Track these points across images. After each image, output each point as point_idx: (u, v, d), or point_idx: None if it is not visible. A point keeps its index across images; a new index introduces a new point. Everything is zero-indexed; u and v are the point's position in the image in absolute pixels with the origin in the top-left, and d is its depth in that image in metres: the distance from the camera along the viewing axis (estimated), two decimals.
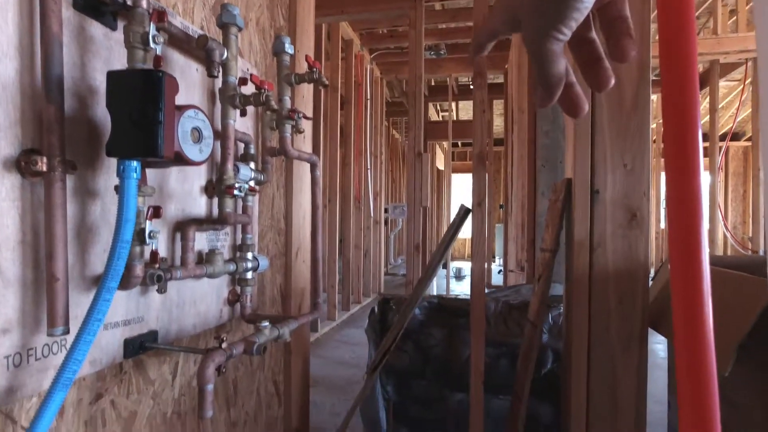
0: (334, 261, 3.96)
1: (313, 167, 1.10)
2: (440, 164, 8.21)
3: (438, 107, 7.61)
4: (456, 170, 9.41)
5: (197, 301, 0.92)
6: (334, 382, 2.66)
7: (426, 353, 1.62)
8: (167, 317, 0.83)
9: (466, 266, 8.52)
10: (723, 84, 5.43)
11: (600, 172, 1.17)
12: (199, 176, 0.90)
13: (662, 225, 7.06)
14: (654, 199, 6.88)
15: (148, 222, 0.64)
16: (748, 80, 4.60)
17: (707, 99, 5.09)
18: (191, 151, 0.61)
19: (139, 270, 0.66)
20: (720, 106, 5.12)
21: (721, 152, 4.99)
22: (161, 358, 0.84)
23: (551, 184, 2.03)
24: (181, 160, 0.60)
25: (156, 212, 0.65)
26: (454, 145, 9.62)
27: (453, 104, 6.23)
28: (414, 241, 2.79)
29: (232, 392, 1.09)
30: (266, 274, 1.22)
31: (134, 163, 0.57)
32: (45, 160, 0.55)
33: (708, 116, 4.84)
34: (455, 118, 7.44)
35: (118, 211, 0.58)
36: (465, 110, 7.91)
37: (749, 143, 8.05)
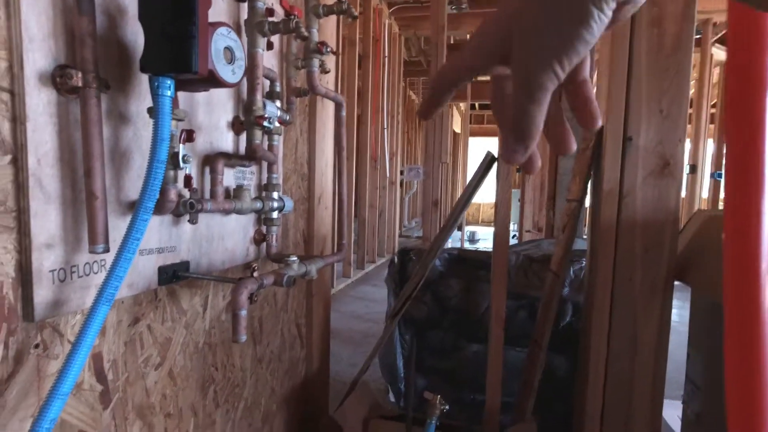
0: (351, 220, 3.98)
1: (339, 107, 1.08)
2: (456, 127, 8.06)
3: None
4: (473, 134, 9.24)
5: (225, 237, 0.93)
6: (351, 335, 2.73)
7: (444, 304, 1.64)
8: (197, 250, 0.84)
9: (479, 230, 8.51)
10: None
11: (634, 118, 1.13)
12: (225, 110, 0.89)
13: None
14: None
15: (181, 146, 0.64)
16: None
17: None
18: (224, 71, 0.60)
19: (173, 194, 0.66)
20: None
21: None
22: (192, 290, 0.86)
23: (581, 135, 1.98)
24: (214, 80, 0.59)
25: (189, 136, 0.64)
26: (472, 107, 9.40)
27: None
28: (432, 197, 2.78)
29: (258, 330, 1.12)
30: (289, 218, 1.23)
31: (168, 81, 0.56)
32: (80, 75, 0.54)
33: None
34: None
35: (153, 129, 0.57)
36: None
37: None
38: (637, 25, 1.11)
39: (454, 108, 7.45)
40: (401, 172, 5.79)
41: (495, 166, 1.27)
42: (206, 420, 0.93)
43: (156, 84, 0.55)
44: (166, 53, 0.55)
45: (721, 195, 5.32)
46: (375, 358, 1.48)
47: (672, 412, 1.76)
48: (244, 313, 0.70)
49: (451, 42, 6.09)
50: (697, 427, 1.29)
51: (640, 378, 1.16)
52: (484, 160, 1.21)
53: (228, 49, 0.61)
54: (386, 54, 4.61)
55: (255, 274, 0.72)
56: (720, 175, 5.22)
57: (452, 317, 1.63)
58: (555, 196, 2.47)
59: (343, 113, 1.08)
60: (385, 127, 4.65)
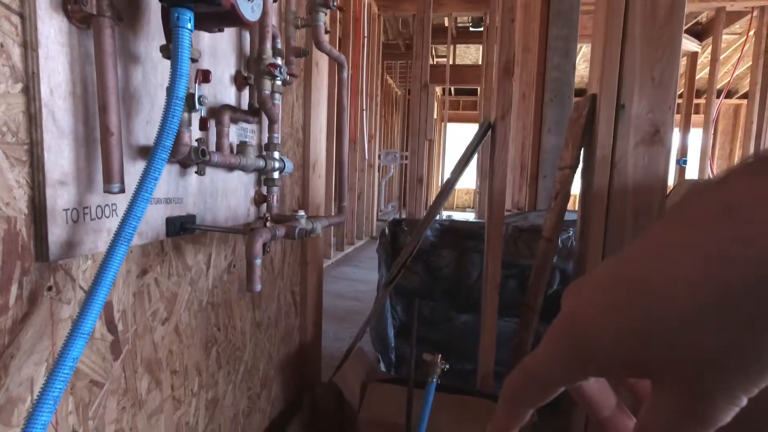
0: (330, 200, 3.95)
1: (341, 68, 1.06)
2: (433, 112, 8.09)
3: (434, 51, 7.38)
4: (450, 119, 9.28)
5: (228, 194, 0.91)
6: (335, 313, 2.73)
7: (435, 274, 1.66)
8: (203, 204, 0.82)
9: (455, 215, 8.61)
10: (723, 38, 5.36)
11: (627, 85, 1.15)
12: (228, 63, 0.87)
13: None
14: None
15: (197, 86, 0.62)
16: (752, 31, 4.54)
17: (708, 50, 5.03)
18: (245, 7, 0.58)
19: (187, 137, 0.64)
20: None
21: (717, 108, 5.00)
22: (197, 247, 0.84)
23: (574, 103, 2.02)
24: (234, 16, 0.57)
25: (205, 76, 0.62)
26: (447, 92, 9.43)
27: (451, 48, 6.05)
28: (417, 173, 2.78)
29: (257, 294, 1.10)
30: (286, 184, 1.21)
31: (188, 13, 0.54)
32: (94, 1, 0.51)
33: (708, 68, 4.81)
34: (452, 63, 7.24)
35: (172, 64, 0.55)
36: (461, 56, 7.71)
37: (742, 101, 8.09)
38: None
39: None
40: (379, 156, 5.77)
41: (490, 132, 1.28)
42: (209, 380, 0.92)
43: (176, 16, 0.53)
44: None
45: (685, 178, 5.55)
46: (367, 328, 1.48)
47: None
48: (258, 261, 0.69)
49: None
50: None
51: None
52: (481, 126, 1.22)
53: None
54: (366, 34, 4.56)
55: (268, 224, 0.71)
56: (685, 162, 5.44)
57: (443, 287, 1.65)
58: (538, 175, 2.52)
59: (345, 74, 1.06)
60: (365, 108, 4.62)
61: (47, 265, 0.54)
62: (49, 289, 0.54)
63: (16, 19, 0.48)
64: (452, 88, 9.27)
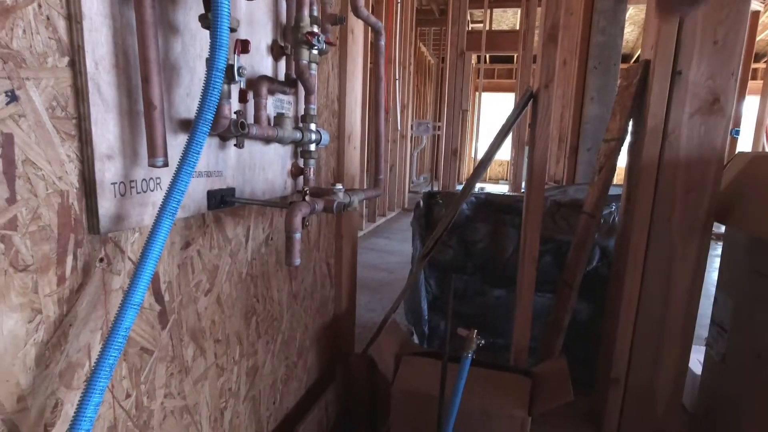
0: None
1: (378, 36, 1.02)
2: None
3: (469, 17, 7.09)
4: (484, 89, 8.99)
5: (266, 167, 0.91)
6: (367, 283, 2.76)
7: (469, 248, 1.64)
8: (241, 177, 0.83)
9: (488, 187, 8.47)
10: None
11: (686, 49, 1.07)
12: (265, 32, 0.85)
13: None
14: None
15: (236, 57, 0.61)
16: None
17: None
18: None
19: (227, 110, 0.63)
20: None
21: None
22: (236, 220, 0.85)
23: (623, 71, 1.92)
24: None
25: (244, 46, 0.61)
26: (481, 60, 9.12)
27: (488, 12, 5.79)
28: (452, 145, 2.73)
29: (294, 266, 1.12)
30: (321, 156, 1.21)
31: None
32: None
33: None
34: (488, 29, 6.95)
35: (211, 35, 0.54)
36: (498, 21, 7.38)
37: None
38: None
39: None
40: (411, 127, 5.69)
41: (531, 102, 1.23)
42: (249, 349, 0.94)
43: None
44: None
45: (737, 151, 5.24)
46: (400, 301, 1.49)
47: (692, 356, 1.79)
48: (298, 235, 0.69)
49: None
50: (722, 367, 1.32)
51: (672, 318, 1.17)
52: (523, 95, 1.17)
53: None
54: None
55: (307, 198, 0.71)
56: (737, 132, 5.11)
57: (477, 261, 1.64)
58: (578, 146, 2.42)
59: (382, 42, 1.03)
60: (397, 78, 4.52)
61: (98, 238, 0.55)
62: (101, 260, 0.56)
63: None
64: (487, 56, 8.94)
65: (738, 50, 1.04)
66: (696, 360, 1.57)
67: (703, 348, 1.45)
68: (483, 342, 1.07)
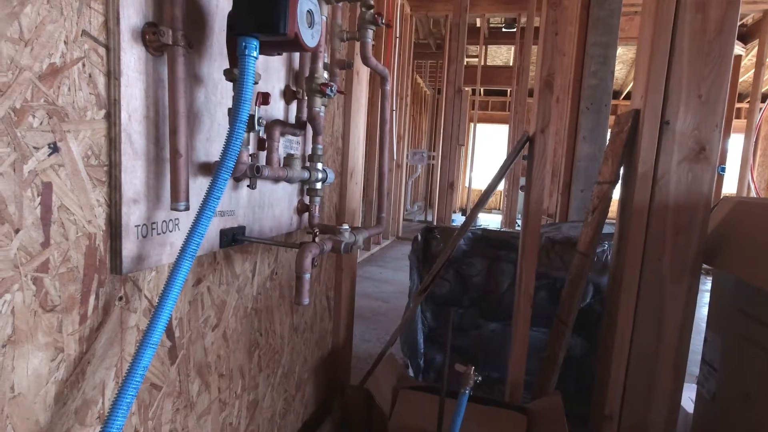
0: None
1: (384, 81, 1.08)
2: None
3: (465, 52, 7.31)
4: (479, 120, 9.19)
5: (274, 204, 0.94)
6: (361, 313, 2.76)
7: (466, 282, 1.66)
8: (251, 215, 0.86)
9: (481, 217, 8.54)
10: None
11: (673, 102, 1.14)
12: (279, 78, 0.90)
13: None
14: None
15: (256, 108, 0.65)
16: None
17: (753, 52, 4.84)
18: (306, 34, 0.61)
19: (245, 156, 0.67)
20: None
21: (761, 113, 4.80)
22: (244, 256, 0.88)
23: (615, 117, 2.00)
24: (296, 43, 0.60)
25: (265, 99, 0.65)
26: (476, 92, 9.35)
27: (483, 49, 5.99)
28: (448, 179, 2.79)
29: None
30: (325, 191, 1.24)
31: (255, 42, 0.57)
32: (170, 32, 0.55)
33: (752, 71, 4.62)
34: (483, 64, 7.17)
35: (237, 90, 0.58)
36: (492, 56, 7.62)
37: None
38: (681, 8, 1.11)
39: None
40: (406, 156, 5.78)
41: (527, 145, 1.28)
42: (251, 383, 0.95)
43: (243, 45, 0.56)
44: (258, 14, 0.55)
45: (724, 188, 5.36)
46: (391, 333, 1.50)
47: (684, 394, 1.81)
48: (308, 276, 0.71)
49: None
50: (713, 405, 1.34)
51: (664, 356, 1.20)
52: (520, 139, 1.22)
53: (309, 12, 0.61)
54: (398, 35, 4.56)
55: (317, 239, 0.74)
56: (723, 170, 5.25)
57: (473, 295, 1.66)
58: (571, 182, 2.48)
59: (388, 87, 1.08)
60: (394, 109, 4.63)
61: (119, 277, 0.58)
62: (120, 299, 0.58)
63: (102, 51, 0.52)
64: (482, 89, 9.18)
65: (721, 105, 1.11)
66: (688, 398, 1.59)
67: (695, 386, 1.47)
68: (480, 378, 1.08)
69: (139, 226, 0.58)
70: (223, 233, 0.77)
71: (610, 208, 1.33)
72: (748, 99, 4.72)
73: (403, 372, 1.34)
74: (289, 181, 0.90)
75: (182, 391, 0.73)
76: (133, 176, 0.56)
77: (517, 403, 1.31)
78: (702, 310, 2.27)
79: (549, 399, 1.18)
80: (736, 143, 5.31)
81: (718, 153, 1.14)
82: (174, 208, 0.59)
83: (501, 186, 8.25)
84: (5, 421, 0.46)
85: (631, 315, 1.21)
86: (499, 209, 10.52)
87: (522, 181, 5.18)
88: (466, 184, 8.71)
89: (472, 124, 7.19)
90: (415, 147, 7.47)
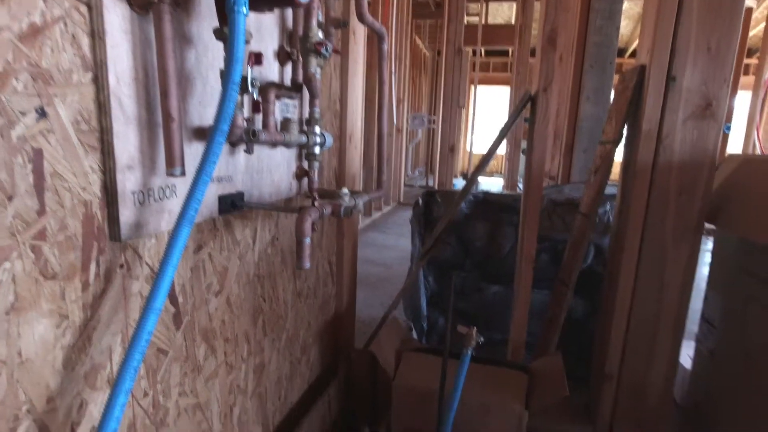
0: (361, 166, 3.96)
1: (381, 40, 1.04)
2: None
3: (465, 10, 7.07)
4: (480, 82, 9.00)
5: (272, 169, 0.93)
6: (365, 279, 2.79)
7: (468, 246, 1.67)
8: (249, 181, 0.85)
9: (481, 180, 8.51)
10: None
11: (680, 56, 1.10)
12: (272, 39, 0.87)
13: None
14: None
15: (249, 69, 0.63)
16: None
17: (765, 4, 4.67)
18: None
19: (240, 120, 0.65)
20: None
21: None
22: (244, 222, 0.87)
23: (619, 75, 1.94)
24: None
25: (258, 59, 0.63)
26: (476, 53, 9.10)
27: (483, 6, 5.79)
28: (449, 142, 2.75)
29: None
30: (324, 156, 1.23)
31: None
32: None
33: (763, 24, 4.47)
34: (484, 23, 6.94)
35: (228, 50, 0.56)
36: (493, 14, 7.38)
37: None
38: None
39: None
40: (406, 120, 5.69)
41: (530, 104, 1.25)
42: (256, 347, 0.97)
43: (232, 1, 0.53)
44: None
45: (729, 147, 5.29)
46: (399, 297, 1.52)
47: (682, 351, 1.85)
48: (308, 240, 0.71)
49: None
50: (711, 362, 1.36)
51: (665, 316, 1.21)
52: (522, 98, 1.19)
53: None
54: None
55: (316, 203, 0.73)
56: (729, 128, 5.17)
57: (475, 259, 1.67)
58: (573, 144, 2.45)
59: (385, 46, 1.05)
60: (393, 71, 4.52)
61: (119, 245, 0.57)
62: (121, 266, 0.58)
63: (84, 9, 0.50)
64: (483, 49, 8.93)
65: (731, 57, 1.07)
66: (686, 355, 1.62)
67: (693, 343, 1.50)
68: (483, 339, 1.10)
69: (135, 192, 0.57)
70: (222, 199, 0.76)
71: (613, 170, 1.32)
72: (758, 54, 4.58)
73: (407, 335, 1.36)
74: (287, 145, 0.88)
75: (189, 356, 0.74)
76: (126, 142, 0.55)
77: (519, 362, 1.34)
78: (702, 270, 2.29)
79: (550, 358, 1.20)
80: (742, 101, 5.21)
81: (725, 109, 1.12)
82: (170, 174, 0.58)
83: (502, 149, 8.17)
84: (16, 385, 0.47)
85: (632, 276, 1.21)
86: (500, 173, 10.46)
87: (523, 144, 5.13)
88: (467, 148, 8.63)
89: (472, 86, 7.04)
90: (415, 111, 7.35)
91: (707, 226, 1.25)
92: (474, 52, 7.14)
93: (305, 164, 1.04)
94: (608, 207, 1.55)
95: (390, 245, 3.62)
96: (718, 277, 1.36)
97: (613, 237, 1.35)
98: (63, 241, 0.50)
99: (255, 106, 0.67)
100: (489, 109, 10.11)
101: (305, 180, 1.06)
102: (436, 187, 3.18)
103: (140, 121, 0.57)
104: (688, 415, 1.46)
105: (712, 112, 1.11)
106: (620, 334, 1.26)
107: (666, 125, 1.13)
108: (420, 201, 1.67)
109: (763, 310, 1.14)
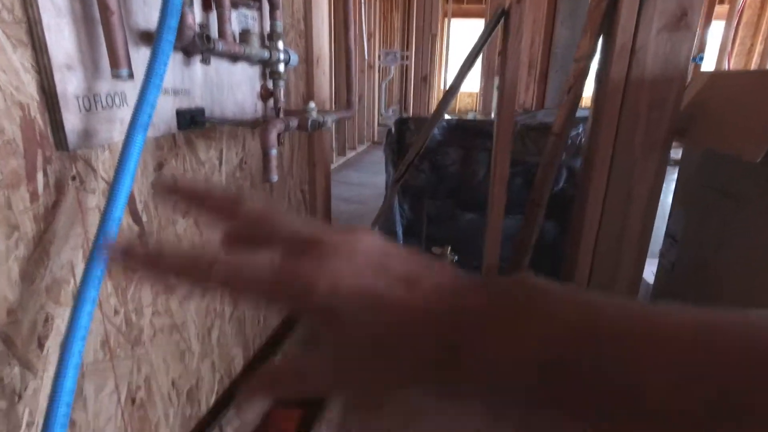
0: (332, 100, 3.83)
1: None
2: None
3: None
4: (454, 15, 8.63)
5: (234, 87, 0.88)
6: (340, 216, 2.79)
7: (441, 173, 1.67)
8: (210, 97, 0.80)
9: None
10: None
11: None
12: None
13: None
14: None
15: None
16: None
17: None
18: None
19: (190, 19, 0.60)
20: None
21: None
22: (208, 142, 0.84)
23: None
24: None
25: None
26: None
27: None
28: (422, 72, 2.66)
29: (269, 192, 1.12)
30: (290, 79, 1.17)
31: None
32: None
33: None
34: None
35: None
36: None
37: None
38: None
39: None
40: (378, 57, 5.48)
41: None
42: None
43: None
44: None
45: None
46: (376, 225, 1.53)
47: (646, 268, 1.95)
48: (274, 152, 0.68)
49: None
50: (671, 274, 1.44)
51: (630, 231, 1.25)
52: (494, 14, 1.14)
53: None
54: None
55: (281, 115, 0.70)
56: (701, 59, 5.17)
57: (449, 185, 1.67)
58: (548, 72, 2.41)
59: None
60: (362, 4, 4.27)
61: (68, 155, 0.53)
62: (73, 178, 0.55)
63: None
64: None
65: None
66: (650, 272, 1.71)
67: (656, 261, 1.57)
68: (457, 258, 1.12)
69: (79, 97, 0.53)
70: (180, 114, 0.72)
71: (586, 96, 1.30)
72: None
73: None
74: (248, 59, 0.83)
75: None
76: (60, 37, 0.50)
77: None
78: (669, 197, 2.37)
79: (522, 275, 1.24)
80: (715, 33, 5.18)
81: (699, 20, 1.10)
82: (116, 76, 0.54)
83: (477, 86, 8.04)
84: None
85: (602, 191, 1.24)
86: (474, 111, 10.36)
87: (497, 81, 5.04)
88: (442, 85, 8.45)
89: (446, 20, 6.75)
90: (387, 47, 7.06)
91: (674, 156, 1.27)
92: None
93: (270, 84, 0.99)
94: (580, 129, 1.55)
95: (365, 183, 3.60)
96: (682, 193, 1.41)
97: (584, 157, 1.36)
98: (1, 146, 0.46)
99: (206, 4, 0.62)
100: (464, 44, 9.79)
101: (271, 101, 1.01)
102: (421, 112, 3.11)
103: (74, 13, 0.51)
104: None
105: (687, 23, 1.09)
106: (588, 255, 1.30)
107: (640, 37, 1.11)
108: (392, 128, 1.63)
109: (719, 221, 1.19)
